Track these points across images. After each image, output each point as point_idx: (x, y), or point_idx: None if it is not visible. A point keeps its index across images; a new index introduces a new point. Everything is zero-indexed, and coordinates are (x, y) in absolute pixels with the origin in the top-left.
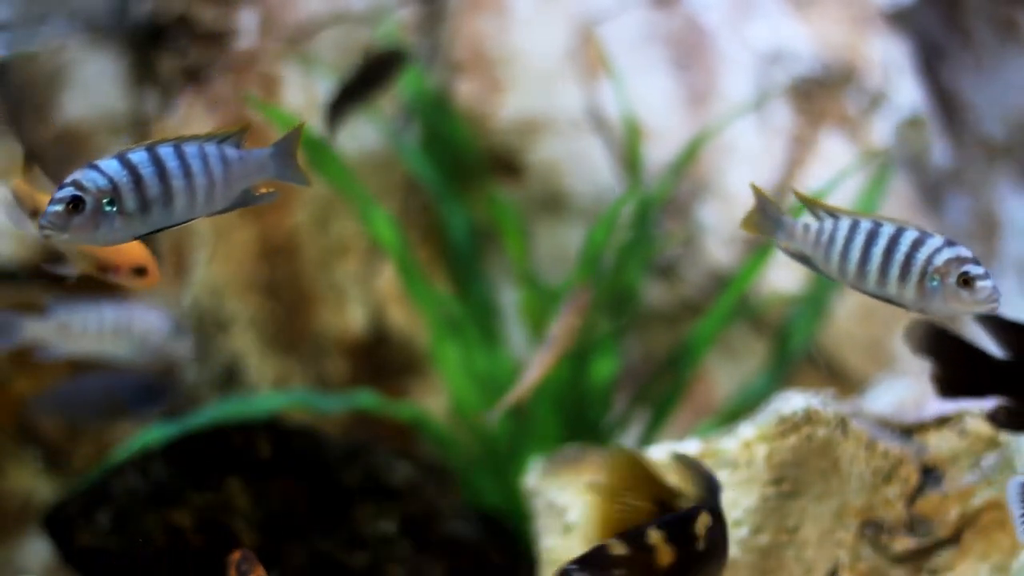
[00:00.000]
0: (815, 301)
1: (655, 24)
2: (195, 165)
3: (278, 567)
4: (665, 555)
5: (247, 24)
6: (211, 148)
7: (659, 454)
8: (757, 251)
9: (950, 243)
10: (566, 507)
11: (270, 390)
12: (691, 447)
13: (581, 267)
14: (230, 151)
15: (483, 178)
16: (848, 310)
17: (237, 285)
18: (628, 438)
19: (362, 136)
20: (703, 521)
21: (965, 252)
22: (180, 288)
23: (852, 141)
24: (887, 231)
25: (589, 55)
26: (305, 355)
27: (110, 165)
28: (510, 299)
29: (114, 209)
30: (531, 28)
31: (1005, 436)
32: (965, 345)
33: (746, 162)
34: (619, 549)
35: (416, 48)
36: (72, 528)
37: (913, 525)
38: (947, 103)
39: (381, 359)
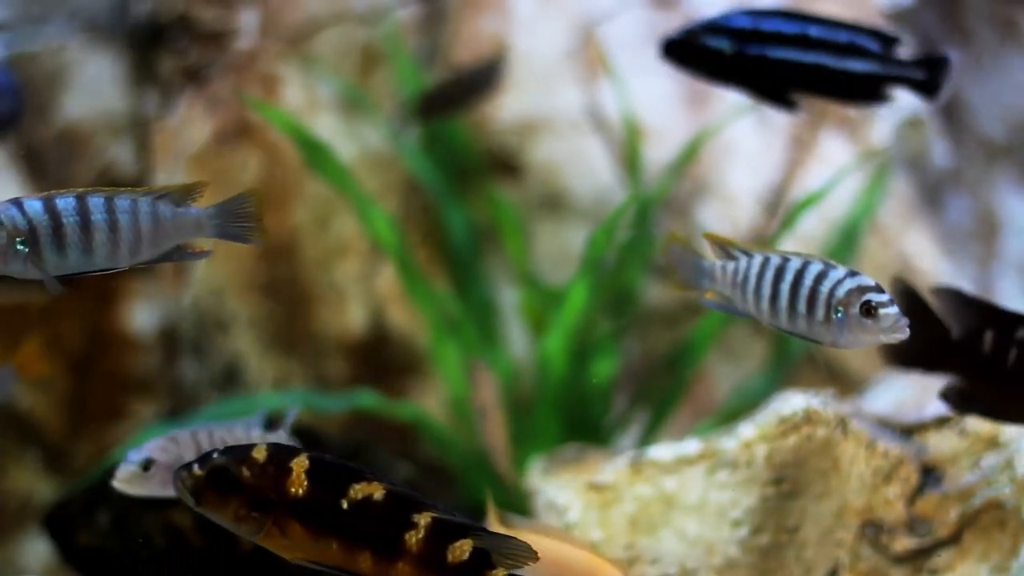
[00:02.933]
0: None
1: (655, 24)
2: (122, 219)
3: (278, 568)
4: (298, 486)
5: (247, 24)
6: (144, 204)
7: (660, 454)
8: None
9: (852, 274)
10: (566, 507)
11: (270, 390)
12: (691, 447)
13: (582, 270)
14: (163, 208)
15: (483, 178)
16: None
17: (237, 285)
18: (628, 438)
19: (362, 136)
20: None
21: (867, 281)
22: (180, 288)
23: (852, 141)
24: (793, 266)
25: (589, 55)
26: (305, 355)
27: (33, 206)
28: (510, 299)
29: (25, 249)
30: (531, 28)
31: (1005, 436)
32: (929, 314)
33: (746, 162)
34: (261, 454)
35: (416, 48)
36: (72, 528)
37: (913, 525)
38: (947, 103)
39: (381, 359)
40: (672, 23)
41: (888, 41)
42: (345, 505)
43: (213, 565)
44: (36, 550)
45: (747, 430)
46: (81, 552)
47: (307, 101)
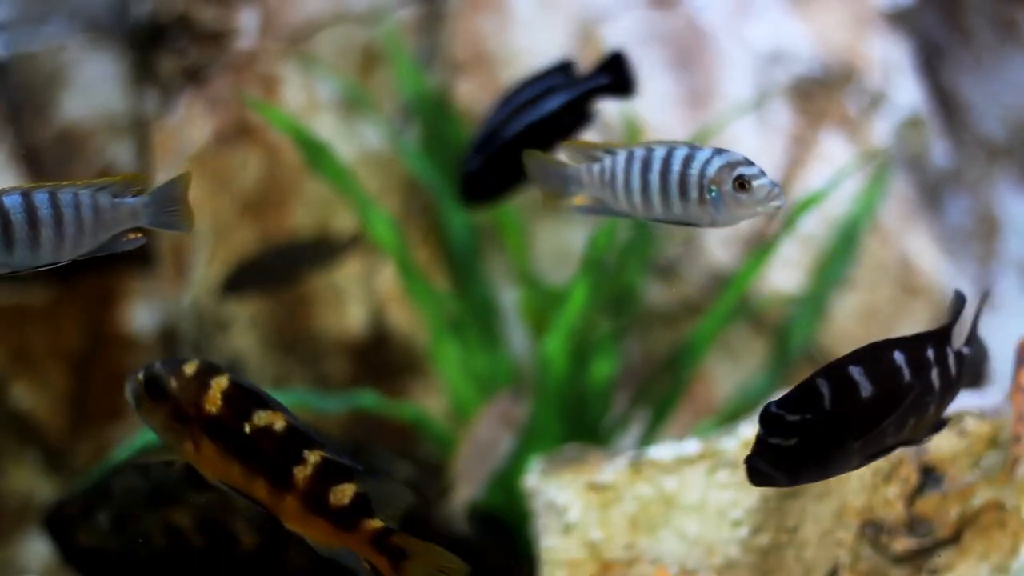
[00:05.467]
0: (815, 301)
1: (655, 24)
2: (67, 213)
3: (278, 568)
4: (213, 404)
5: (247, 24)
6: (85, 196)
7: (660, 454)
8: (757, 251)
9: (719, 152)
10: (566, 507)
11: (270, 390)
12: (691, 447)
13: (583, 271)
14: (103, 199)
15: None
16: (848, 310)
17: None
18: (628, 438)
19: (362, 136)
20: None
21: (736, 157)
22: (180, 288)
23: (852, 141)
24: (659, 155)
25: (589, 55)
26: (305, 355)
27: None
28: (510, 299)
29: None
30: (531, 28)
31: (1005, 436)
32: None
33: None
34: (190, 368)
35: (417, 49)
36: (72, 528)
37: (913, 525)
38: (947, 103)
39: (381, 359)
40: (672, 23)
41: (564, 67)
42: (248, 430)
43: (213, 565)
44: (36, 550)
45: (747, 430)
46: (81, 552)
47: (307, 101)
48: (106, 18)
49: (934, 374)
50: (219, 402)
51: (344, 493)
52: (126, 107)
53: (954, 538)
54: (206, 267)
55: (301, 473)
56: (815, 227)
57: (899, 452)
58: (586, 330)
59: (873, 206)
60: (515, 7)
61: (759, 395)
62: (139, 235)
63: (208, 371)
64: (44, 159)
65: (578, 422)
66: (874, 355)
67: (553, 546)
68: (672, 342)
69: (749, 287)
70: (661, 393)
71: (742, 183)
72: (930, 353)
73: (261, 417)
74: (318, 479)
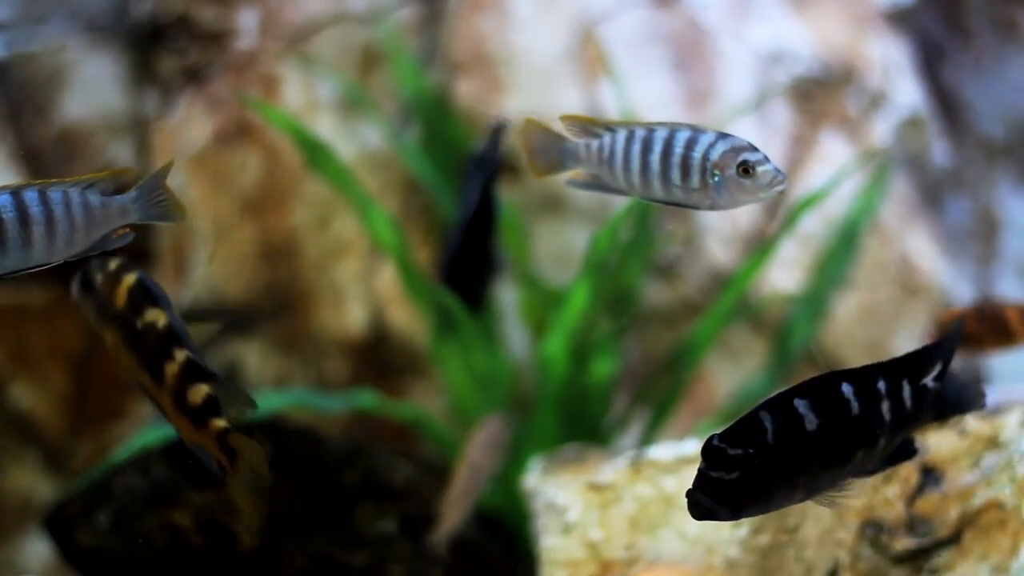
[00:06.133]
0: (815, 301)
1: (655, 24)
2: (57, 212)
3: (279, 568)
4: (120, 298)
5: (247, 24)
6: (75, 194)
7: (660, 454)
8: (757, 251)
9: (723, 136)
10: (566, 507)
11: (270, 390)
12: (691, 447)
13: (584, 271)
14: (92, 198)
15: None
16: (848, 310)
17: (237, 285)
18: (628, 438)
19: (362, 136)
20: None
21: (740, 142)
22: (180, 287)
23: (852, 141)
24: (660, 136)
25: (589, 55)
26: (305, 355)
27: None
28: (510, 299)
29: None
30: (531, 28)
31: (1005, 436)
32: None
33: None
34: (113, 264)
35: (416, 48)
36: (72, 528)
37: (913, 525)
38: (947, 103)
39: (381, 359)
40: (672, 22)
41: (498, 130)
42: (139, 326)
43: (213, 565)
44: (36, 550)
45: None
46: (81, 552)
47: (307, 101)
48: (106, 18)
49: (885, 407)
50: (124, 298)
51: (199, 392)
52: (126, 107)
53: (954, 538)
54: (206, 267)
55: (171, 370)
56: (815, 227)
57: None
58: (586, 330)
59: (873, 206)
60: (515, 7)
61: (759, 395)
62: (126, 231)
63: (123, 269)
64: (44, 159)
65: (578, 422)
66: (821, 388)
67: (553, 546)
68: (672, 342)
69: (749, 287)
70: (661, 393)
71: (746, 168)
72: (882, 385)
73: (149, 313)
74: (182, 377)
